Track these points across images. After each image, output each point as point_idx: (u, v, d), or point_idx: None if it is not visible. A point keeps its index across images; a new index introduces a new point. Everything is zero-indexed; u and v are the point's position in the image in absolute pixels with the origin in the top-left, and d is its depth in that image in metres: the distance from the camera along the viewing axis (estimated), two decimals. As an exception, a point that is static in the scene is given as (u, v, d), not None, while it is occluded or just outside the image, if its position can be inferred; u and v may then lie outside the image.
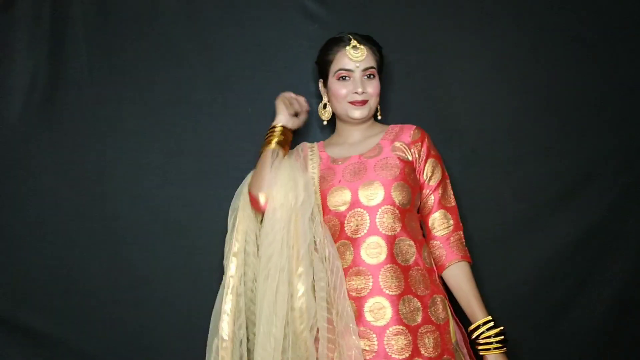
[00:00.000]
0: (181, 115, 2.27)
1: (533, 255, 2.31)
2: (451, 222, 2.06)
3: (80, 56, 2.25)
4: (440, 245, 2.03)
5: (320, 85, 2.17)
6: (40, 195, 2.22)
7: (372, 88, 2.09)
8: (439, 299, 1.99)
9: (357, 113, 2.08)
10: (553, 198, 2.33)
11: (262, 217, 2.00)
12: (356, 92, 2.08)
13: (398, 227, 1.98)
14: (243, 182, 2.08)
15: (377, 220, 1.97)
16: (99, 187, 2.23)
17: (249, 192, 2.02)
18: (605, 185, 2.34)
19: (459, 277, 2.01)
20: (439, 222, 2.05)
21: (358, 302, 1.94)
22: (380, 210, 1.97)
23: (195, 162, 2.26)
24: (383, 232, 1.96)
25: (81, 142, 2.24)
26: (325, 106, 2.15)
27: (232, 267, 2.00)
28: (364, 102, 2.08)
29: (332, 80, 2.10)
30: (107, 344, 2.20)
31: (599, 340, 2.31)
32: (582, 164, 2.34)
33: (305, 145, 2.17)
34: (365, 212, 1.97)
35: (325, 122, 2.17)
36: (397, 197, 1.99)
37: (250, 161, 2.15)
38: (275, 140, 2.06)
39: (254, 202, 2.00)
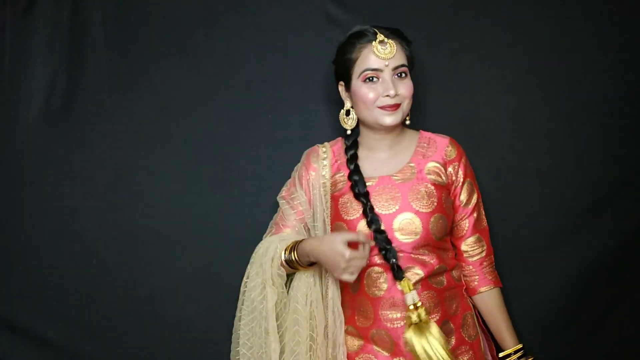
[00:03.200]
0: (199, 122, 2.22)
1: (564, 268, 2.22)
2: (484, 246, 1.96)
3: (99, 62, 2.21)
4: (473, 270, 1.95)
5: (341, 89, 1.94)
6: (56, 202, 2.19)
7: (405, 89, 1.84)
8: (469, 316, 1.93)
9: (389, 119, 1.83)
10: (585, 209, 2.23)
11: None
12: (387, 95, 1.82)
13: (434, 258, 1.86)
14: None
15: (412, 253, 1.83)
16: (115, 195, 2.20)
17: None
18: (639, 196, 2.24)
19: (491, 304, 1.95)
20: (472, 247, 1.95)
21: (395, 333, 1.83)
22: (415, 246, 1.83)
23: (214, 169, 2.21)
24: (421, 266, 1.83)
25: (98, 149, 2.20)
26: (348, 112, 1.91)
27: None
28: (396, 107, 1.83)
29: (356, 83, 1.85)
30: (123, 355, 2.17)
31: (634, 358, 2.22)
32: (616, 173, 2.24)
33: (310, 163, 1.94)
34: (399, 247, 1.83)
35: (349, 132, 1.94)
36: (435, 232, 1.84)
37: (269, 168, 2.13)
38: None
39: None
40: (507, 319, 1.95)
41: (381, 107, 1.83)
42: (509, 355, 1.93)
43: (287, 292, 1.86)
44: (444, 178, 1.89)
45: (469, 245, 1.95)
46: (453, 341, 1.86)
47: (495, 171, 2.25)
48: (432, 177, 1.88)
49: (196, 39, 2.23)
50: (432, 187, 1.86)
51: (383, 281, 1.83)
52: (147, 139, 2.22)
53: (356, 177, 1.87)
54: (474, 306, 1.99)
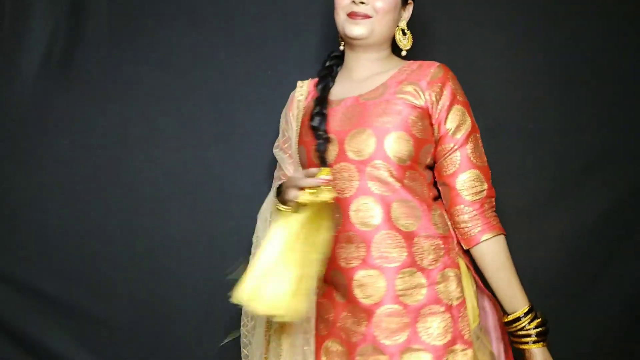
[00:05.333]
0: (200, 79, 2.23)
1: (557, 229, 2.26)
2: (485, 185, 1.66)
3: (101, 17, 2.21)
4: (474, 214, 1.63)
5: None
6: (55, 155, 2.20)
7: (382, 2, 1.66)
8: (452, 274, 1.63)
9: (355, 30, 1.66)
10: (578, 171, 2.28)
11: None
12: (353, 1, 1.66)
13: (396, 185, 1.61)
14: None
15: (367, 177, 1.61)
16: (115, 150, 2.21)
17: None
18: (632, 158, 2.28)
19: (499, 253, 1.65)
20: (470, 185, 1.64)
21: (347, 273, 1.62)
22: (370, 165, 1.61)
23: (213, 125, 2.23)
24: (376, 192, 1.60)
25: (98, 104, 2.22)
26: None
27: None
28: (364, 17, 1.66)
29: None
30: (121, 309, 2.19)
31: (626, 315, 2.27)
32: (608, 137, 2.28)
33: (290, 100, 1.84)
34: (353, 167, 1.62)
35: (341, 47, 1.80)
36: (394, 149, 1.61)
37: (268, 125, 2.11)
38: None
39: None
40: (516, 275, 1.67)
41: (348, 15, 1.68)
42: (518, 320, 1.64)
43: None
44: (420, 100, 1.66)
45: (465, 182, 1.65)
46: (422, 298, 1.59)
47: (491, 133, 2.26)
48: (405, 96, 1.66)
49: (197, -4, 2.24)
50: (400, 106, 1.64)
51: (338, 215, 1.64)
52: (147, 93, 2.23)
53: (319, 86, 1.77)
54: (468, 267, 1.70)
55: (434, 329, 1.56)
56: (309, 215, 1.55)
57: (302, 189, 1.56)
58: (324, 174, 1.57)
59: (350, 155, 1.63)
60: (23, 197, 2.20)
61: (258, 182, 2.15)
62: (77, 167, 2.21)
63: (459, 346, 1.57)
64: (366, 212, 1.61)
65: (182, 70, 2.23)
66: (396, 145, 1.62)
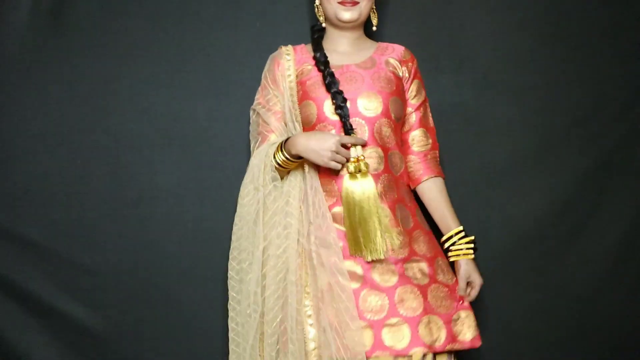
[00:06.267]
0: (189, 30, 2.23)
1: (542, 184, 2.31)
2: (430, 140, 2.05)
3: (91, -32, 2.19)
4: (418, 160, 2.03)
5: None
6: (44, 107, 2.19)
7: None
8: (419, 210, 2.02)
9: (347, 15, 1.95)
10: (564, 126, 2.32)
11: None
12: None
13: (392, 140, 1.96)
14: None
15: (374, 131, 1.93)
16: (103, 100, 2.20)
17: None
18: (617, 115, 2.32)
19: (435, 190, 2.03)
20: (419, 139, 2.04)
21: None
22: (377, 122, 1.93)
23: (202, 77, 2.23)
24: (380, 143, 1.93)
25: (87, 55, 2.20)
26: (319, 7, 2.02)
27: None
28: (354, 3, 1.95)
29: None
30: (108, 259, 2.20)
31: (607, 270, 2.33)
32: (594, 93, 2.32)
33: (275, 59, 1.99)
34: (363, 122, 1.92)
35: (323, 25, 2.02)
36: (394, 111, 1.95)
37: (257, 78, 2.08)
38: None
39: None
40: (450, 205, 2.02)
41: (340, 2, 1.95)
42: (450, 238, 1.99)
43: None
44: (400, 72, 2.01)
45: (415, 137, 2.03)
46: (411, 224, 1.95)
47: (477, 88, 2.31)
48: (391, 68, 2.01)
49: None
50: (392, 75, 1.99)
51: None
52: (137, 45, 2.22)
53: (318, 54, 1.97)
54: None
55: (423, 245, 1.95)
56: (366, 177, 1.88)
57: (344, 146, 1.86)
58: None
59: (362, 112, 1.93)
60: (7, 145, 2.19)
61: (245, 134, 2.13)
62: (65, 117, 2.19)
63: (439, 258, 1.97)
64: (374, 159, 1.93)
65: (172, 22, 2.22)
66: (396, 106, 1.97)
